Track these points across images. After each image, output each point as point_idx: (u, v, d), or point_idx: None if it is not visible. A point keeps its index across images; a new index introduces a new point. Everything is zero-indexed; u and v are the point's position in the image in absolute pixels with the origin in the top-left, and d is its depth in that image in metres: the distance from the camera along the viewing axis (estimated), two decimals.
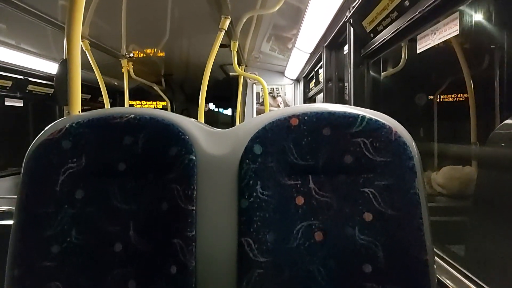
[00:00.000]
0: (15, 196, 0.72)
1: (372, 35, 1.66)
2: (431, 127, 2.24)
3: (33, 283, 0.69)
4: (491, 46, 1.68)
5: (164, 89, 5.52)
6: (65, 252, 0.70)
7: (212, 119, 6.95)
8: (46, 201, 0.71)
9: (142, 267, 0.71)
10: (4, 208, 1.55)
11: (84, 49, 2.79)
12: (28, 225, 0.70)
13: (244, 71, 4.29)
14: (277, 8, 2.34)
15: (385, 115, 0.72)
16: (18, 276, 0.69)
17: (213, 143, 0.75)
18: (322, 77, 3.01)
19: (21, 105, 3.98)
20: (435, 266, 0.67)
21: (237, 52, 3.13)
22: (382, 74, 1.96)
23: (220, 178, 0.72)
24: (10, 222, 0.71)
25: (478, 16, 1.56)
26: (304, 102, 4.40)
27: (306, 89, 4.35)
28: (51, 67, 3.68)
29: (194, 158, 0.72)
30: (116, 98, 5.83)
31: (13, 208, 0.72)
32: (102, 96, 3.38)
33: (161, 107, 6.40)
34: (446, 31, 1.15)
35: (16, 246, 0.70)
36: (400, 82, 2.24)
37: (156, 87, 5.08)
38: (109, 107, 3.55)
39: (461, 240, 1.28)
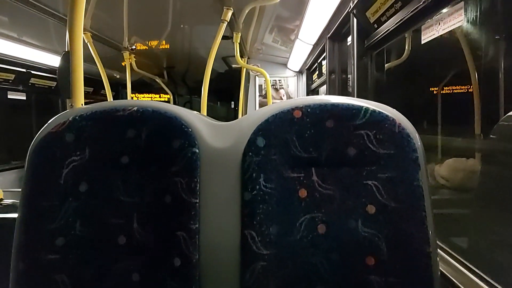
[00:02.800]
0: (19, 190, 0.72)
1: (375, 26, 1.64)
2: (435, 119, 2.22)
3: (38, 276, 0.70)
4: (496, 37, 1.66)
5: (166, 81, 5.51)
6: (70, 244, 0.71)
7: None
8: (50, 194, 0.71)
9: (146, 260, 0.71)
10: (9, 201, 1.56)
11: (86, 41, 2.78)
12: (33, 218, 0.71)
13: (247, 63, 4.27)
14: None
15: (389, 107, 0.71)
16: (23, 269, 0.70)
17: (216, 135, 0.75)
18: (325, 68, 3.00)
19: (24, 98, 3.99)
20: (438, 259, 0.67)
21: (239, 44, 3.11)
22: (385, 65, 1.94)
23: (223, 171, 0.72)
24: (15, 215, 0.71)
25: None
26: (307, 94, 4.38)
27: (309, 81, 4.33)
28: (53, 60, 3.68)
29: (197, 150, 0.71)
30: (119, 91, 5.84)
31: (18, 201, 0.72)
32: (104, 89, 3.38)
33: (163, 100, 6.40)
34: (450, 21, 1.14)
35: (21, 239, 0.70)
36: (403, 73, 2.22)
37: (158, 80, 5.07)
38: (111, 100, 3.55)
39: (464, 233, 1.28)
